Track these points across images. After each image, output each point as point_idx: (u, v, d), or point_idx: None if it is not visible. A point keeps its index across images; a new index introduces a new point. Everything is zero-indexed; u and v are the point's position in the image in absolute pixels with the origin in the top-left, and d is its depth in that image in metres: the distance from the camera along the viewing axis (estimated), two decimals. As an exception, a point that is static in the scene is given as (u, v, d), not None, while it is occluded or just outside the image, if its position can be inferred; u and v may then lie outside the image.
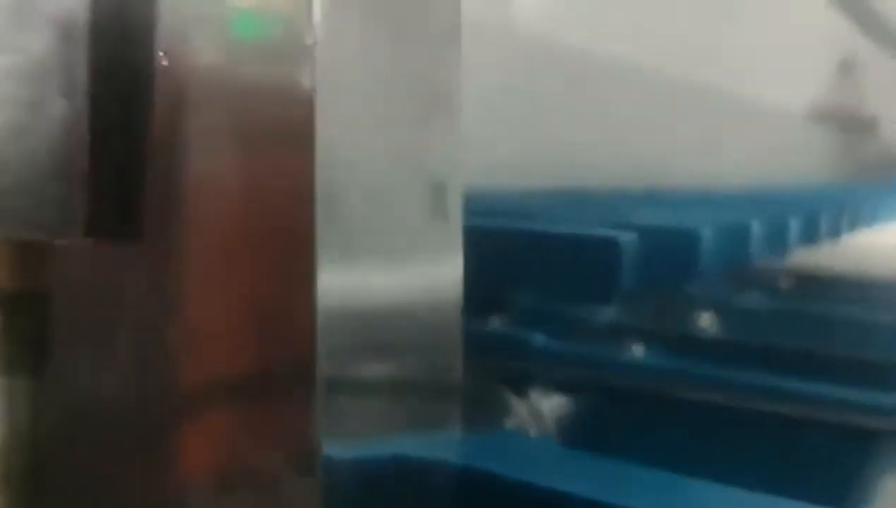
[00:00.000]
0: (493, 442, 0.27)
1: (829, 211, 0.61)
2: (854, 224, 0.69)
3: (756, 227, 0.44)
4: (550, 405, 0.42)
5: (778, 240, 0.49)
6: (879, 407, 0.35)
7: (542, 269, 0.31)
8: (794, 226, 0.50)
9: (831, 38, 1.96)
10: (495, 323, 0.50)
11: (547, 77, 0.69)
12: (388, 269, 0.21)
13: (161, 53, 0.20)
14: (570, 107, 0.73)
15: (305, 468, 0.18)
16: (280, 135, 0.19)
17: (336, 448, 0.19)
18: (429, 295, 0.22)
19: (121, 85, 0.21)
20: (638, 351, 0.44)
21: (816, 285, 0.61)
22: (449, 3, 0.22)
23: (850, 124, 1.83)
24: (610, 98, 0.81)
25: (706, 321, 0.52)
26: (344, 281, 0.19)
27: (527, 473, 0.23)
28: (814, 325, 0.52)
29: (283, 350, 0.19)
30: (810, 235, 0.56)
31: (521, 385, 0.40)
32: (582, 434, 0.43)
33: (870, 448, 0.36)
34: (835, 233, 0.62)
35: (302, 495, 0.18)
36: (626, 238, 0.29)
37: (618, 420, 0.40)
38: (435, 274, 0.22)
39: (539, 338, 0.43)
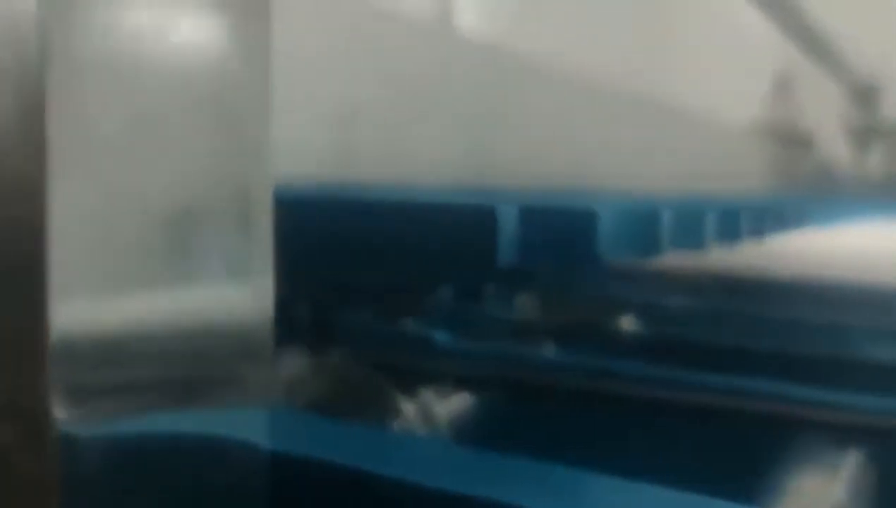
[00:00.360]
0: (352, 433, 0.24)
1: (749, 212, 0.59)
2: (781, 229, 0.68)
3: (664, 216, 0.42)
4: (446, 405, 0.40)
5: (690, 234, 0.47)
6: (800, 399, 0.34)
7: (419, 242, 0.28)
8: (709, 221, 0.48)
9: (771, 54, 1.99)
10: (388, 318, 0.47)
11: (481, 79, 0.67)
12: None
13: None
14: (495, 110, 0.70)
15: (39, 441, 0.15)
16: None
17: (83, 426, 0.16)
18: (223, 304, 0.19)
19: None
20: (549, 349, 0.42)
21: (737, 285, 0.59)
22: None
23: (787, 139, 1.85)
24: (539, 102, 0.79)
25: (626, 322, 0.50)
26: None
27: (349, 458, 0.20)
28: (733, 323, 0.50)
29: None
30: (728, 234, 0.54)
31: (411, 384, 0.38)
32: (483, 432, 0.40)
33: (786, 439, 0.33)
34: (757, 234, 0.60)
35: (35, 469, 0.15)
36: (506, 208, 0.26)
37: (524, 418, 0.38)
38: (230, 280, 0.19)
39: (443, 336, 0.41)
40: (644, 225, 0.39)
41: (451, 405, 0.39)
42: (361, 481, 0.21)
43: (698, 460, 0.29)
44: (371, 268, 0.29)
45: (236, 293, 0.20)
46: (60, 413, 0.15)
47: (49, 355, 0.15)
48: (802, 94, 1.97)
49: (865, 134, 2.03)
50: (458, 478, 0.20)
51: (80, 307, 0.16)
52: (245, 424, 0.22)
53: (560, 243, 0.30)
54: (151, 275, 0.18)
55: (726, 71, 2.13)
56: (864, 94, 1.97)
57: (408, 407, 0.37)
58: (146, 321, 0.18)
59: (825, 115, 2.02)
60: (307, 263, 0.28)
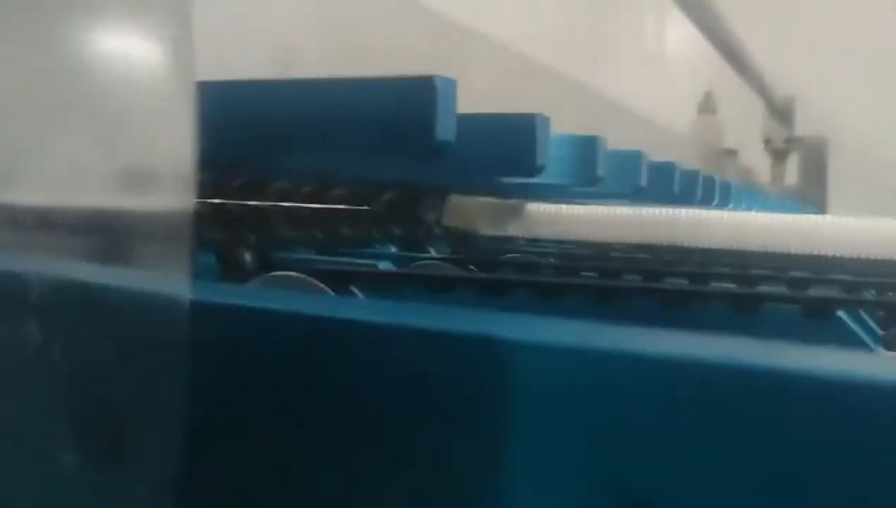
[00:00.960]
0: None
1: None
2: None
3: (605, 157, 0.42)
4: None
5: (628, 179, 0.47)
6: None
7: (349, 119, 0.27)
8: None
9: (698, 70, 2.05)
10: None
11: (422, 41, 0.67)
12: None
13: None
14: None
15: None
16: None
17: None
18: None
19: None
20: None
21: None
22: None
23: (713, 148, 1.90)
24: (481, 72, 0.79)
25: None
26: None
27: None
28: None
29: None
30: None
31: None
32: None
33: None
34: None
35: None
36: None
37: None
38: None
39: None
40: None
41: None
42: (290, 323, 0.20)
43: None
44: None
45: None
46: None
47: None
48: (727, 109, 2.04)
49: (783, 146, 2.10)
50: (399, 316, 0.19)
51: None
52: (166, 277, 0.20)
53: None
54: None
55: (659, 82, 2.18)
56: (781, 111, 2.05)
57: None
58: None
59: (747, 128, 2.09)
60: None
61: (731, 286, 0.35)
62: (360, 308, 0.20)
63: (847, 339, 0.30)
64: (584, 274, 0.39)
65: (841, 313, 0.28)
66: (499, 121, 0.32)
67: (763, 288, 0.34)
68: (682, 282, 0.37)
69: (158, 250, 0.19)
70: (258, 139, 0.29)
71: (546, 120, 0.32)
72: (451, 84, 0.26)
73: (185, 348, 0.18)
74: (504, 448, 0.17)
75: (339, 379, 0.19)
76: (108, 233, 0.18)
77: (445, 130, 0.26)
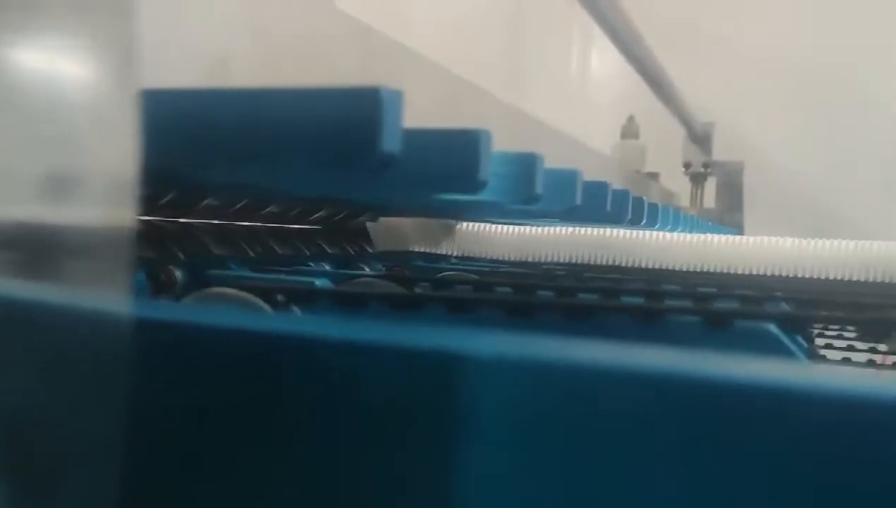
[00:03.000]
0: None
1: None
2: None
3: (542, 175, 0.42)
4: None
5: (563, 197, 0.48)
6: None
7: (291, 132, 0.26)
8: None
9: (623, 93, 2.10)
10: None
11: (354, 53, 0.66)
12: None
13: None
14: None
15: None
16: None
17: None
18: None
19: None
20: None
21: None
22: None
23: (635, 172, 1.95)
24: (415, 88, 0.79)
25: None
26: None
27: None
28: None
29: None
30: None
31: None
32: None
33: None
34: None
35: None
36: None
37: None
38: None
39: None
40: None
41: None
42: (234, 339, 0.19)
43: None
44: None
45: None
46: None
47: None
48: (649, 134, 2.09)
49: (702, 170, 2.17)
50: (348, 331, 0.19)
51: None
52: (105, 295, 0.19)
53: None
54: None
55: (584, 106, 2.23)
56: (700, 136, 2.11)
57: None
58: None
59: (668, 152, 2.14)
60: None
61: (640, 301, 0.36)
62: (306, 323, 0.19)
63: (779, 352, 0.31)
64: (499, 289, 0.39)
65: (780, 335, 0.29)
66: (441, 135, 0.32)
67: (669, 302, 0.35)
68: (592, 297, 0.37)
69: (94, 265, 0.18)
70: (193, 150, 0.28)
71: (489, 135, 0.32)
72: (397, 95, 0.25)
73: (121, 368, 0.17)
74: (457, 463, 0.17)
75: (284, 397, 0.19)
76: (37, 248, 0.17)
77: (391, 142, 0.25)
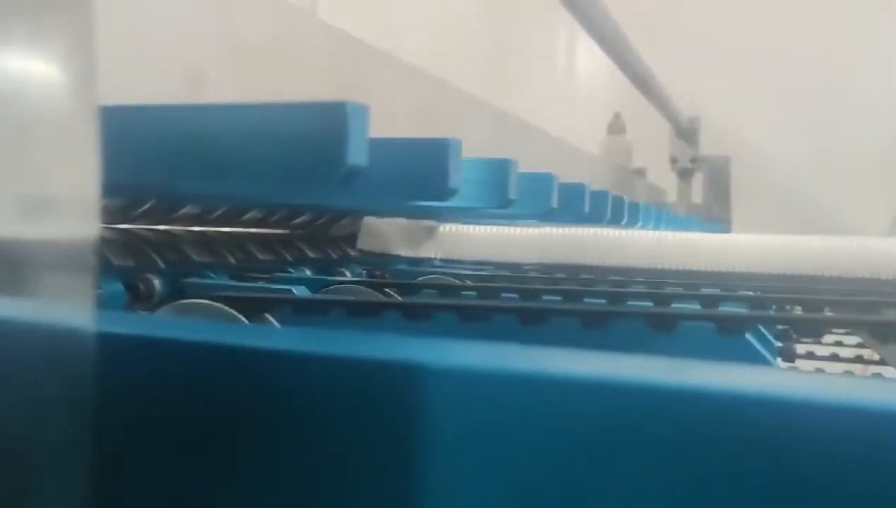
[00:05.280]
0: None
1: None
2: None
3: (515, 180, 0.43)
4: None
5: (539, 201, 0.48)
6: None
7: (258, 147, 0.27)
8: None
9: (608, 93, 2.10)
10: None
11: (335, 63, 0.66)
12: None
13: None
14: (345, 92, 0.70)
15: None
16: None
17: None
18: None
19: None
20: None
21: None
22: None
23: (622, 168, 1.95)
24: (397, 95, 0.79)
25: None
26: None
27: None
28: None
29: None
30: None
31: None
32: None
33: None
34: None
35: None
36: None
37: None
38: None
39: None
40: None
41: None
42: (207, 353, 0.19)
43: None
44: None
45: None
46: None
47: None
48: (635, 130, 2.10)
49: (689, 165, 2.18)
50: (315, 343, 0.19)
51: None
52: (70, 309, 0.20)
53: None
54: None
55: (570, 103, 2.23)
56: (686, 131, 2.12)
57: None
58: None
59: (655, 148, 2.15)
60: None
61: (648, 304, 0.36)
62: (273, 336, 0.20)
63: (747, 352, 0.31)
64: (505, 295, 0.40)
65: (748, 335, 0.29)
66: (411, 145, 0.33)
67: (678, 306, 0.35)
68: (600, 302, 0.37)
69: (59, 280, 0.18)
70: (167, 164, 0.28)
71: (458, 143, 0.33)
72: (363, 109, 0.26)
73: (89, 384, 0.18)
74: (425, 473, 0.17)
75: (254, 410, 0.19)
76: (3, 263, 0.17)
77: (357, 155, 0.25)
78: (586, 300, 0.38)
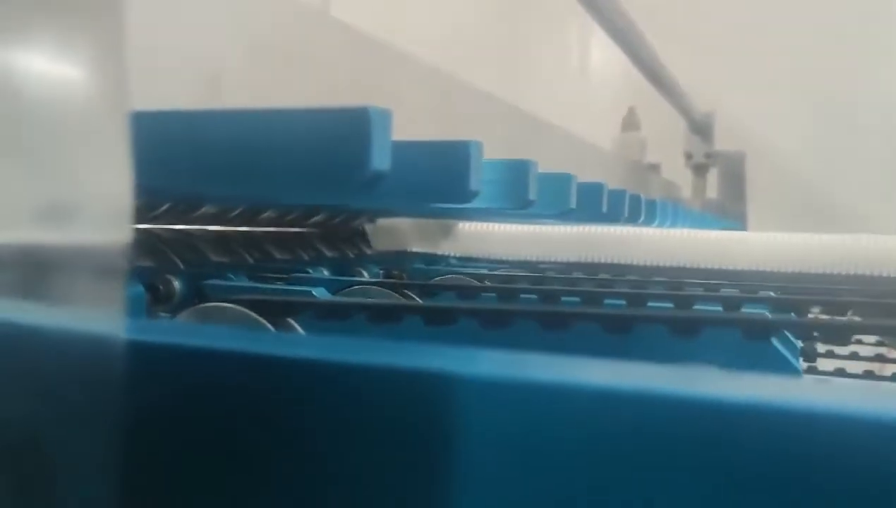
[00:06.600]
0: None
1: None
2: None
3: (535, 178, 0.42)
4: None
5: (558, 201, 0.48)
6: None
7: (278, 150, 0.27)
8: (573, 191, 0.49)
9: (622, 86, 2.10)
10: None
11: (350, 61, 0.66)
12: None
13: None
14: (359, 92, 0.70)
15: None
16: None
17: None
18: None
19: None
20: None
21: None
22: None
23: (637, 163, 1.95)
24: (410, 92, 0.79)
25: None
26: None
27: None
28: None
29: None
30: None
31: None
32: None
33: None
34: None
35: None
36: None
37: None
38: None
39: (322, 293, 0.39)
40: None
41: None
42: (233, 361, 0.19)
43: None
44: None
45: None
46: None
47: None
48: (649, 125, 2.09)
49: (703, 161, 2.17)
50: (349, 352, 0.19)
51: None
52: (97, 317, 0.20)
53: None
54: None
55: (584, 100, 2.23)
56: (701, 126, 2.11)
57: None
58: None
59: (669, 144, 2.14)
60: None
61: (670, 306, 0.36)
62: (298, 345, 0.20)
63: (771, 354, 0.31)
64: (524, 296, 0.39)
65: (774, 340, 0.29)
66: (432, 147, 0.33)
67: (700, 309, 0.35)
68: (621, 304, 0.37)
69: (90, 287, 0.18)
70: (190, 169, 0.28)
71: (479, 145, 0.33)
72: (386, 114, 0.26)
73: (111, 391, 0.18)
74: (450, 486, 0.17)
75: (271, 419, 0.19)
76: (34, 269, 0.17)
77: (381, 161, 0.25)
78: (606, 302, 0.37)
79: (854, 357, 0.68)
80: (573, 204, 0.48)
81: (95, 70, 0.18)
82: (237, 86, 0.50)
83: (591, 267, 0.62)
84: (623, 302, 0.38)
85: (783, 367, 0.30)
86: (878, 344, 0.64)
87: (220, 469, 0.19)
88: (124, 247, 0.18)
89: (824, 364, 0.66)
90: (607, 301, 0.38)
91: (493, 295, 0.40)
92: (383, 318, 0.30)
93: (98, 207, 0.18)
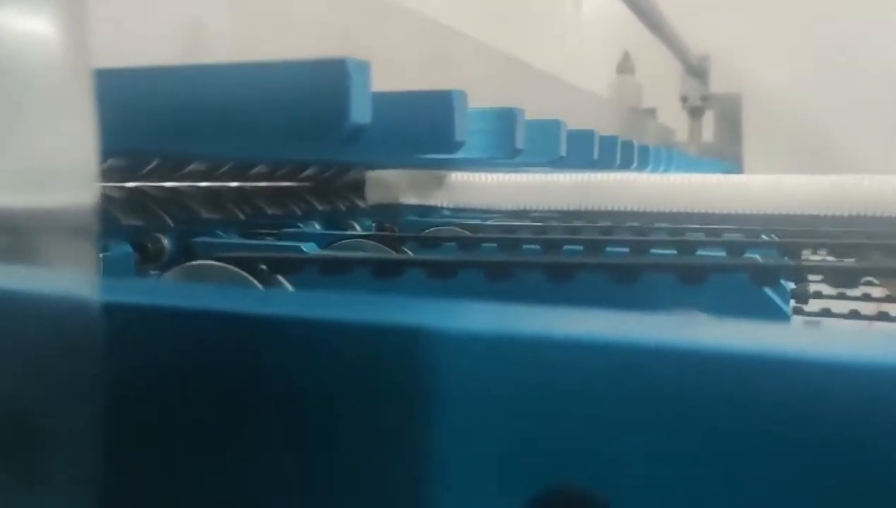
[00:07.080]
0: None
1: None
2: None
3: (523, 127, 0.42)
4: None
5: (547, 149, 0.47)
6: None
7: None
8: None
9: (617, 30, 2.07)
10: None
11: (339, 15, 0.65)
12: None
13: None
14: (351, 45, 0.69)
15: None
16: None
17: None
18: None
19: None
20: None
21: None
22: None
23: (632, 108, 1.93)
24: (404, 45, 0.78)
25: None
26: None
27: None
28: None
29: None
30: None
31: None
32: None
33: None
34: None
35: None
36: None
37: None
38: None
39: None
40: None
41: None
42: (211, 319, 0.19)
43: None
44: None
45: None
46: None
47: None
48: (646, 70, 2.07)
49: (699, 104, 2.15)
50: (329, 310, 0.19)
51: None
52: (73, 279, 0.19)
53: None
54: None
55: (578, 44, 2.20)
56: (697, 69, 2.09)
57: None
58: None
59: (665, 88, 2.12)
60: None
61: (673, 253, 0.36)
62: (272, 302, 0.20)
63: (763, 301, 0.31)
64: (526, 246, 0.39)
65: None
66: (415, 98, 0.32)
67: (704, 255, 0.35)
68: (624, 252, 0.37)
69: (59, 248, 0.18)
70: (169, 126, 0.28)
71: (463, 95, 0.32)
72: (364, 66, 0.25)
73: (97, 356, 0.18)
74: (437, 441, 0.17)
75: (256, 378, 0.19)
76: (3, 233, 0.17)
77: (360, 113, 0.25)
78: (609, 250, 0.37)
79: (842, 296, 0.68)
80: (563, 151, 0.48)
81: (55, 28, 0.17)
82: (219, 43, 0.49)
83: (588, 215, 0.62)
84: (625, 249, 0.38)
85: (774, 312, 0.30)
86: (866, 282, 0.64)
87: (202, 430, 0.19)
88: (93, 209, 0.17)
89: (813, 304, 0.67)
90: (609, 249, 0.37)
91: (495, 245, 0.39)
92: (380, 273, 0.29)
93: (64, 168, 0.18)
